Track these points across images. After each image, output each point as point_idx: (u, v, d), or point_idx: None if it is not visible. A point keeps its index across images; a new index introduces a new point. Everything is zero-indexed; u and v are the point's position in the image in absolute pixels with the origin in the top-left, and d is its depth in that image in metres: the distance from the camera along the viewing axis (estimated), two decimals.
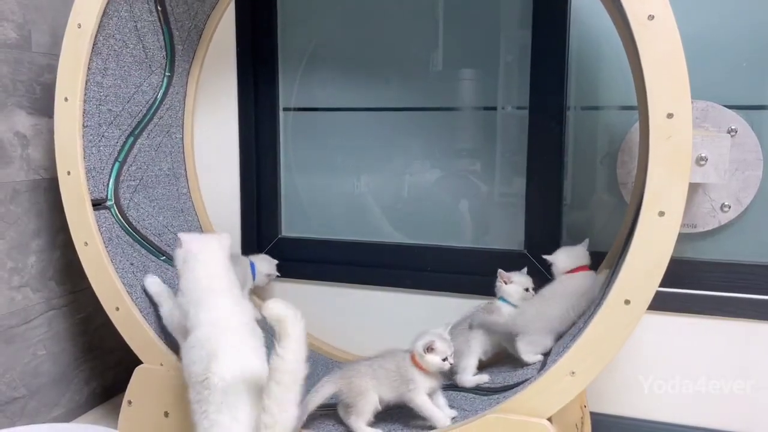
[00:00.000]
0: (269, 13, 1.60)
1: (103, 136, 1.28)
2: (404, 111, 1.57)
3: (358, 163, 1.62)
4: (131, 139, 1.37)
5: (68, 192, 1.22)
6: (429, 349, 1.10)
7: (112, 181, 1.31)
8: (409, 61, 1.55)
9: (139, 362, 1.24)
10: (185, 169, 1.58)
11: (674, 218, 0.92)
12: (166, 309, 1.22)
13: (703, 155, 1.13)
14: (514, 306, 1.28)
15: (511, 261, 1.47)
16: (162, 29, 1.38)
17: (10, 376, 1.31)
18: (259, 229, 1.67)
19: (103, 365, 1.56)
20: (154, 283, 1.27)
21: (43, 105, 1.36)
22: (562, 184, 1.43)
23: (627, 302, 0.95)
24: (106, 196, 1.29)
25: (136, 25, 1.30)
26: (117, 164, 1.33)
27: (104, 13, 1.20)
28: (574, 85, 1.42)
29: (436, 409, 1.11)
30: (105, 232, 1.25)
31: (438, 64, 1.54)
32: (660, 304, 1.18)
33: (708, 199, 1.31)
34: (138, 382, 1.24)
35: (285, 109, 1.65)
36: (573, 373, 0.98)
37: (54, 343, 1.42)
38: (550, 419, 1.01)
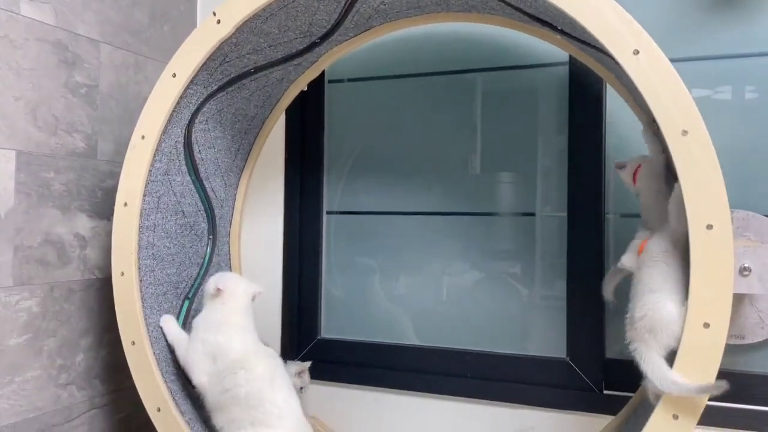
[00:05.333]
0: (317, 125, 1.69)
1: (160, 304, 1.32)
2: (444, 216, 1.61)
3: (397, 265, 1.65)
4: (186, 302, 1.41)
5: (135, 362, 1.24)
6: None
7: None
8: (448, 166, 1.61)
9: None
10: None
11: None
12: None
13: (746, 265, 1.13)
14: None
15: (553, 369, 1.45)
16: (201, 199, 1.45)
17: None
18: (299, 330, 1.69)
19: None
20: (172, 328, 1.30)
21: (103, 208, 1.45)
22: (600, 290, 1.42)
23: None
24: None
25: (177, 198, 1.37)
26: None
27: (146, 191, 1.27)
28: (613, 192, 1.44)
29: None
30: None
31: (476, 168, 1.59)
32: (707, 419, 1.13)
33: (755, 310, 1.28)
34: None
35: (328, 213, 1.71)
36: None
37: None
38: None
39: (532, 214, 1.53)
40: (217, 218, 1.50)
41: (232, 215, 1.58)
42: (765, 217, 1.28)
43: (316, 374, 1.54)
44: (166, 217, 1.34)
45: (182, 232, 1.39)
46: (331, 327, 1.70)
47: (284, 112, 1.60)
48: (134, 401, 1.28)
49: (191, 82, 1.26)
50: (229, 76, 1.34)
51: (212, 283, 1.26)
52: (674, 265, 1.03)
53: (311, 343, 1.68)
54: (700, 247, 0.93)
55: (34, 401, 1.29)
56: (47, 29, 1.31)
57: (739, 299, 1.27)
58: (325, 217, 1.71)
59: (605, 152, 1.42)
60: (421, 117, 1.63)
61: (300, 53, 1.42)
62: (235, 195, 1.58)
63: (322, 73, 1.61)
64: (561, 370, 1.43)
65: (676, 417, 0.93)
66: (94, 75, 1.43)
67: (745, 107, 1.35)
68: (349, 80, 1.70)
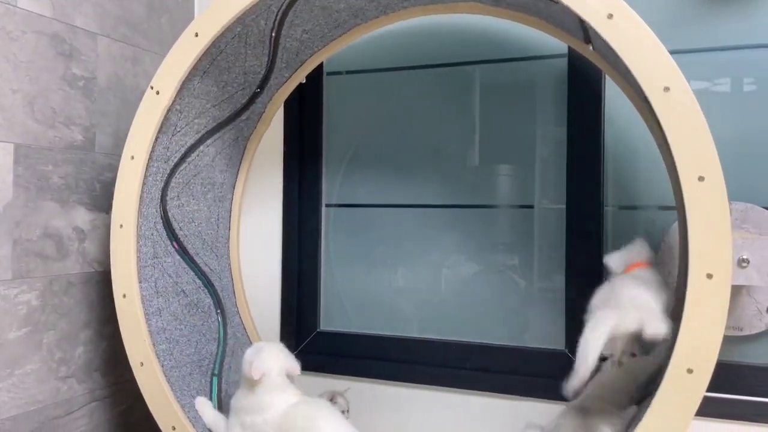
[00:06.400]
0: (316, 118, 1.69)
1: (188, 384, 1.29)
2: (442, 208, 1.61)
3: (396, 257, 1.65)
4: (215, 379, 1.38)
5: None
6: None
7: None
8: (447, 158, 1.61)
9: None
10: None
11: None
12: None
13: (744, 257, 1.13)
14: None
15: (552, 361, 1.45)
16: (197, 276, 1.43)
17: None
18: (298, 322, 1.69)
19: None
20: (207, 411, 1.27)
21: (102, 201, 1.44)
22: (602, 283, 1.42)
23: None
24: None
25: (173, 279, 1.35)
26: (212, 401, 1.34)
27: (140, 278, 1.25)
28: (612, 184, 1.44)
29: None
30: None
31: (475, 160, 1.59)
32: (705, 409, 1.14)
33: (753, 302, 1.29)
34: None
35: (327, 205, 1.71)
36: None
37: None
38: None
39: (531, 207, 1.53)
40: (218, 291, 1.48)
41: (233, 284, 1.55)
42: (764, 209, 1.29)
43: (315, 366, 1.55)
44: (168, 300, 1.32)
45: (189, 312, 1.37)
46: (330, 319, 1.70)
47: (282, 105, 1.60)
48: (134, 394, 1.29)
49: (150, 159, 1.25)
50: (184, 146, 1.34)
51: (247, 366, 1.19)
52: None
53: (310, 336, 1.68)
54: (694, 199, 0.93)
55: (34, 394, 1.29)
56: (44, 21, 1.31)
57: (737, 291, 1.28)
58: (323, 209, 1.71)
59: (604, 144, 1.42)
60: (420, 109, 1.63)
61: (245, 107, 1.43)
62: (229, 265, 1.55)
63: (321, 66, 1.60)
64: (560, 362, 1.44)
65: (690, 371, 0.94)
66: (92, 67, 1.42)
67: (744, 99, 1.35)
68: (348, 72, 1.70)
